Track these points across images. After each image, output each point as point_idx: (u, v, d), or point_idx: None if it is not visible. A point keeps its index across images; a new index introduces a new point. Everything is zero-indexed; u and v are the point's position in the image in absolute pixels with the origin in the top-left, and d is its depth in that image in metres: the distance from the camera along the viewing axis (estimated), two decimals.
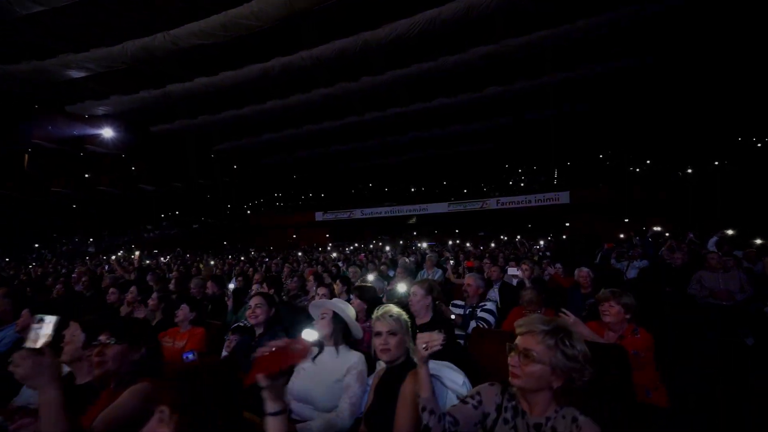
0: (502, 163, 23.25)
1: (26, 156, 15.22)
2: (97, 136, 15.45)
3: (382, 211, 21.27)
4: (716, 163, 16.33)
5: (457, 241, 13.80)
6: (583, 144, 19.26)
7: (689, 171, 16.27)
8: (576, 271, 3.97)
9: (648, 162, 18.65)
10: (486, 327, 3.00)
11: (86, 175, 17.20)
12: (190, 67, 13.38)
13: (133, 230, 19.32)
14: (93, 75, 12.37)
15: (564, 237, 16.67)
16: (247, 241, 20.78)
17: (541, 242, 7.84)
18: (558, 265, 5.18)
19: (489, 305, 3.15)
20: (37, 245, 14.66)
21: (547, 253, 7.32)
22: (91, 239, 17.00)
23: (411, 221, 22.59)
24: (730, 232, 6.30)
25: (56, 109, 14.19)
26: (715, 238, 6.23)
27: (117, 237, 17.83)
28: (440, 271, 5.82)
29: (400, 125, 19.18)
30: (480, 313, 3.08)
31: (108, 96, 14.40)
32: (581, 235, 15.86)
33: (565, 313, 2.19)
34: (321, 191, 25.67)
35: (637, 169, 18.49)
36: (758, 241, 6.09)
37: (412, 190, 23.10)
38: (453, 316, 3.01)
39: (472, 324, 2.99)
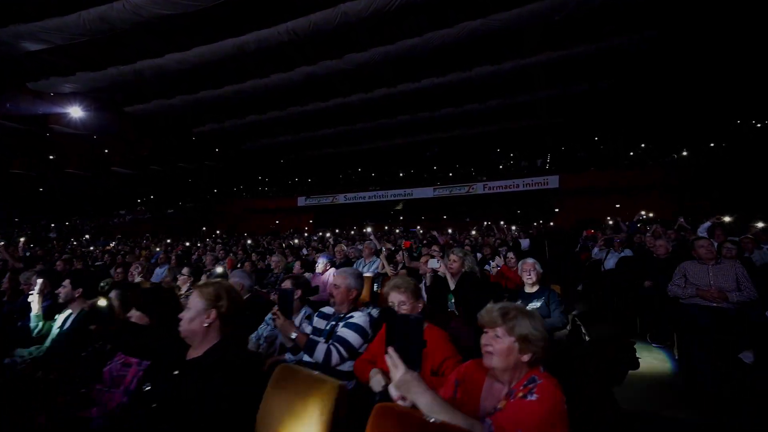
0: (492, 146, 22.60)
1: None
2: (65, 115, 14.61)
3: (366, 196, 20.62)
4: (712, 144, 15.82)
5: (418, 227, 13.15)
6: (574, 127, 18.62)
7: (684, 154, 15.80)
8: (519, 264, 3.16)
9: (642, 145, 18.11)
10: (340, 354, 1.98)
11: (51, 157, 16.31)
12: (160, 42, 12.54)
13: (104, 215, 18.62)
14: (54, 49, 11.58)
15: (542, 223, 16.27)
16: (226, 227, 20.18)
17: (513, 227, 7.24)
18: (510, 255, 4.19)
19: (357, 317, 2.13)
20: None
21: (519, 240, 6.74)
22: (56, 224, 16.32)
23: (398, 207, 21.95)
24: (727, 219, 5.32)
25: (16, 86, 13.32)
26: (707, 224, 5.28)
27: (87, 222, 17.16)
28: (379, 261, 4.67)
29: (388, 107, 18.47)
30: (340, 330, 2.08)
31: (74, 72, 13.57)
32: (569, 220, 15.49)
33: (390, 356, 1.19)
34: (305, 176, 24.85)
35: (631, 153, 17.93)
36: (760, 224, 5.20)
37: (401, 174, 22.42)
38: (293, 335, 2.05)
39: (321, 349, 2.00)
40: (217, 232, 16.69)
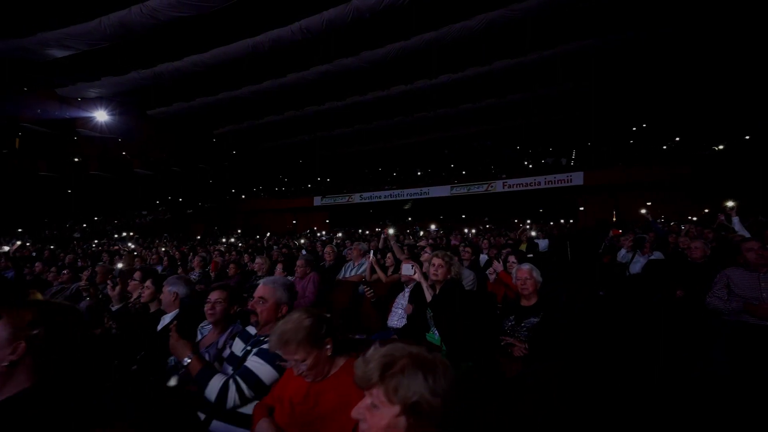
0: (513, 143, 21.87)
1: (17, 139, 15.17)
2: (91, 119, 15.21)
3: (382, 195, 20.38)
4: (747, 137, 14.58)
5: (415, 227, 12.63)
6: (600, 121, 17.65)
7: (720, 147, 14.63)
8: (514, 271, 2.61)
9: (677, 139, 16.92)
10: (241, 391, 1.49)
11: (76, 159, 17.01)
12: (177, 44, 12.79)
13: (126, 215, 19.29)
14: (79, 55, 12.00)
15: (566, 222, 15.54)
16: (243, 227, 20.48)
17: (528, 226, 6.75)
18: (512, 259, 3.57)
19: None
20: (21, 230, 14.65)
21: (536, 241, 6.25)
22: (81, 225, 17.00)
23: (406, 206, 21.55)
24: (730, 204, 4.60)
25: (47, 92, 13.94)
26: (735, 219, 4.63)
27: (109, 222, 17.81)
28: (368, 263, 4.17)
29: (405, 104, 18.21)
30: (250, 358, 1.59)
31: (99, 77, 14.06)
32: (594, 219, 14.73)
33: None
34: (322, 175, 24.87)
35: (664, 147, 16.77)
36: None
37: (418, 173, 22.06)
38: (186, 360, 1.60)
39: (215, 384, 1.50)
40: (239, 231, 16.95)
